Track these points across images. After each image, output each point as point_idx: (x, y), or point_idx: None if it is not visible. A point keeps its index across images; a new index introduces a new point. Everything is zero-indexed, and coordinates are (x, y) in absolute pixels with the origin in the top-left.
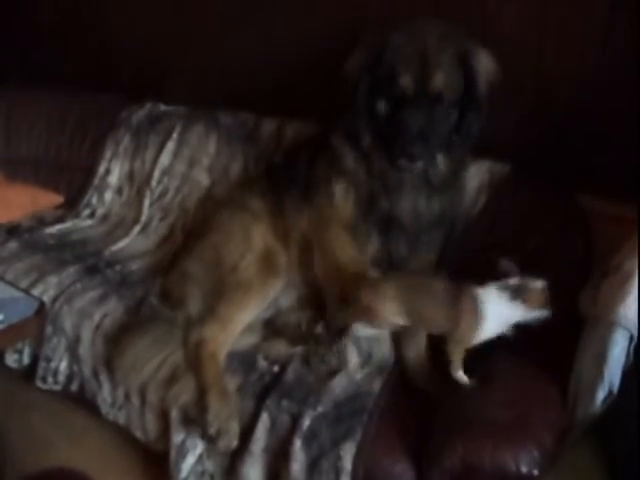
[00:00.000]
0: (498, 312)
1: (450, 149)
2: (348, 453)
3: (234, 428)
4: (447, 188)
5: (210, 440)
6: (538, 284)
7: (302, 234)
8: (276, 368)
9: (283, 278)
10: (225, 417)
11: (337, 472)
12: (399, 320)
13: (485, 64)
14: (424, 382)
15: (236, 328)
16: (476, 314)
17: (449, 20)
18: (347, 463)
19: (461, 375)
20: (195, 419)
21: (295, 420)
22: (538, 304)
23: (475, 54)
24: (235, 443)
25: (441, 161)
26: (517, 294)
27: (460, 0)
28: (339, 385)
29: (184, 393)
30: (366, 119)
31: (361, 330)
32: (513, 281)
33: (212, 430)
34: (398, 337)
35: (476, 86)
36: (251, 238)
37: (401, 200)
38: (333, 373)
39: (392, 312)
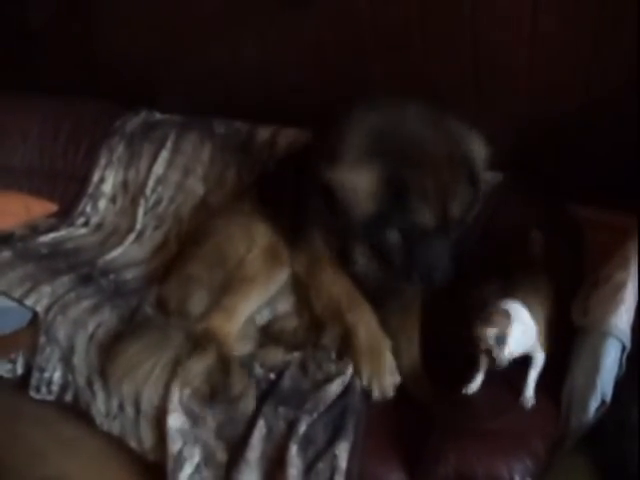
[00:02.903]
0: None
1: None
2: (343, 452)
3: (252, 394)
4: None
5: (231, 401)
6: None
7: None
8: (272, 375)
9: (287, 270)
10: (246, 384)
11: (332, 472)
12: None
13: (481, 156)
14: (419, 391)
15: (240, 319)
16: None
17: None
18: (342, 462)
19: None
20: (214, 385)
21: (291, 426)
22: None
23: (475, 157)
24: (253, 408)
25: None
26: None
27: (451, 19)
28: (335, 391)
29: (195, 374)
30: (367, 245)
31: None
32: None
33: (235, 391)
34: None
35: (479, 184)
36: (254, 235)
37: None
38: (330, 380)
39: None
